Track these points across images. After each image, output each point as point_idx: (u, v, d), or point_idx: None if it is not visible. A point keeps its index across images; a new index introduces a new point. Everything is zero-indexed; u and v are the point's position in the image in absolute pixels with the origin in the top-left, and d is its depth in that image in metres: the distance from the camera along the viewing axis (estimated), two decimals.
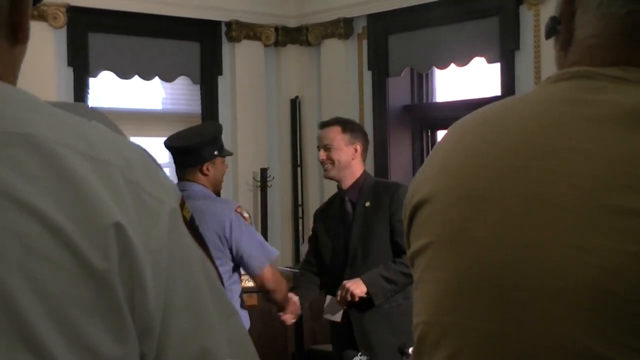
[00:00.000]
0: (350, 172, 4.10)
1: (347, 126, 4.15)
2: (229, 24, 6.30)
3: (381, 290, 3.92)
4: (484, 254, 0.95)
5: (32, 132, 0.77)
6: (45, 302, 0.74)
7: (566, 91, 0.96)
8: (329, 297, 4.07)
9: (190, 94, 6.37)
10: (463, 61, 5.67)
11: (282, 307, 4.01)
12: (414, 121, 6.25)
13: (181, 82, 6.25)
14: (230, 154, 4.10)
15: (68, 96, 5.60)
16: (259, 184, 6.39)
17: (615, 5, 0.95)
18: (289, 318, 4.06)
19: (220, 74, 6.35)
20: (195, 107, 6.36)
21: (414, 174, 5.32)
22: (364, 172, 4.18)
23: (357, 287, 3.89)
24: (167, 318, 0.80)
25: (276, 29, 6.53)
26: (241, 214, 3.77)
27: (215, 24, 6.29)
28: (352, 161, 4.09)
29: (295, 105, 6.62)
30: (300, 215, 6.56)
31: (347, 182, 4.11)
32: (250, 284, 4.30)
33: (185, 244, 0.84)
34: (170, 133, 4.02)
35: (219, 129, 4.00)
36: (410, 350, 2.97)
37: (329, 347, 4.53)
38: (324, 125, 4.22)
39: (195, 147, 3.78)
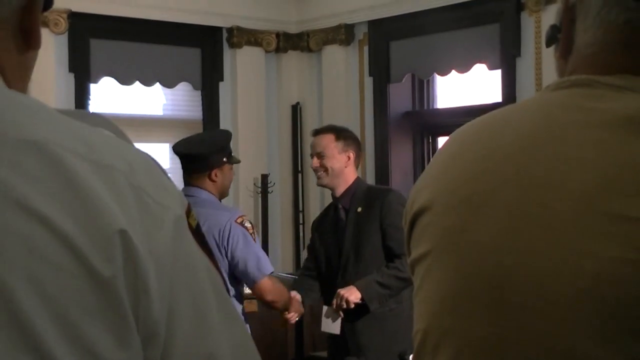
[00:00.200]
0: (343, 179, 4.12)
1: (341, 134, 4.17)
2: (230, 30, 6.32)
3: (376, 296, 3.93)
4: (483, 259, 0.96)
5: (38, 138, 0.77)
6: (48, 305, 0.74)
7: (565, 99, 0.97)
8: (325, 308, 4.08)
9: (191, 100, 6.38)
10: (464, 67, 5.68)
11: (285, 310, 4.02)
12: (415, 127, 6.26)
13: (182, 88, 6.26)
14: (238, 161, 4.11)
15: (69, 102, 5.61)
16: (259, 189, 6.39)
17: (613, 14, 0.96)
18: (292, 316, 4.06)
19: (221, 79, 6.36)
20: (196, 113, 6.36)
21: (414, 180, 5.33)
22: (357, 179, 4.20)
23: (352, 294, 3.90)
24: (171, 324, 0.81)
25: (277, 35, 6.54)
26: (243, 224, 3.77)
27: (216, 30, 6.31)
28: (345, 169, 4.11)
29: (296, 111, 6.63)
30: (300, 222, 6.56)
31: (340, 189, 4.14)
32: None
33: (190, 251, 0.84)
34: (172, 139, 4.02)
35: (228, 136, 4.00)
36: (411, 357, 2.97)
37: None
38: (317, 132, 4.24)
39: (205, 154, 3.79)
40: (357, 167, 4.21)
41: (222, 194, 3.92)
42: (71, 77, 5.69)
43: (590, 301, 0.86)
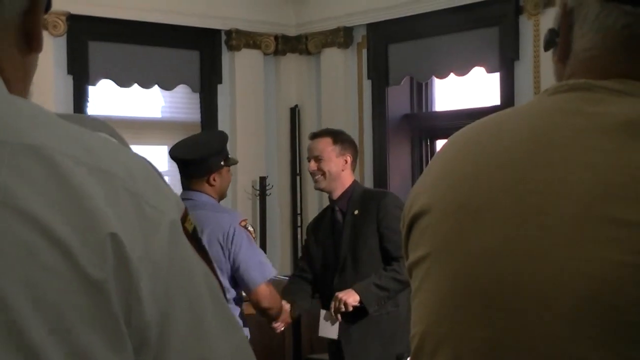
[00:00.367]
0: (340, 182, 4.13)
1: (338, 137, 4.18)
2: (228, 33, 6.31)
3: (374, 299, 3.93)
4: (481, 264, 0.96)
5: (36, 143, 0.78)
6: (43, 310, 0.74)
7: (564, 103, 0.97)
8: (323, 312, 4.07)
9: (189, 103, 6.38)
10: (463, 70, 5.68)
11: (274, 319, 4.01)
12: (413, 130, 6.26)
13: (181, 90, 6.26)
14: (236, 162, 4.11)
15: (67, 104, 5.61)
16: (257, 192, 6.39)
17: (612, 18, 0.96)
18: (279, 326, 4.06)
19: (220, 82, 6.36)
20: (194, 116, 6.36)
21: (413, 183, 5.33)
22: (354, 182, 4.21)
23: (350, 297, 3.90)
24: (166, 328, 0.80)
25: (276, 37, 6.54)
26: (246, 228, 3.78)
27: (215, 33, 6.31)
28: (342, 172, 4.12)
29: (294, 113, 6.63)
30: (299, 224, 6.56)
31: (337, 193, 4.15)
32: None
33: (186, 255, 0.84)
34: (170, 141, 4.01)
35: (225, 138, 4.00)
36: None
37: (326, 357, 4.52)
38: (314, 136, 4.24)
39: (203, 159, 3.79)
40: (353, 170, 4.22)
41: (221, 196, 3.93)
42: (70, 80, 5.69)
43: (589, 306, 0.86)
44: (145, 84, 6.01)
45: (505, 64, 5.43)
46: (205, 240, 3.68)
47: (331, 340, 4.15)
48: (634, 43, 0.95)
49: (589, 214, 0.88)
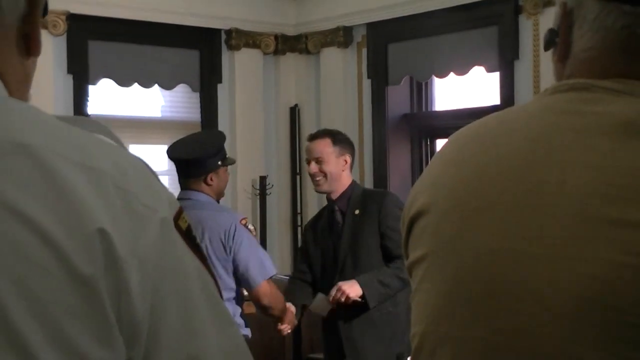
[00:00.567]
0: (341, 183, 4.13)
1: (337, 138, 4.17)
2: (228, 32, 6.32)
3: (377, 293, 3.92)
4: (480, 264, 0.96)
5: (29, 142, 0.78)
6: (33, 306, 0.74)
7: (564, 103, 0.97)
8: (319, 295, 4.07)
9: (189, 102, 6.38)
10: (462, 70, 5.68)
11: (279, 320, 4.00)
12: (413, 130, 6.26)
13: (181, 89, 6.26)
14: (233, 162, 4.11)
15: (67, 104, 5.61)
16: (257, 191, 6.39)
17: (611, 19, 0.96)
18: (286, 328, 4.05)
19: (220, 81, 6.36)
20: (194, 115, 6.36)
21: (412, 182, 5.33)
22: (352, 182, 4.21)
23: (353, 290, 3.90)
24: (157, 324, 0.81)
25: (276, 37, 6.54)
26: (246, 226, 3.78)
27: (215, 32, 6.31)
28: (342, 172, 4.12)
29: (294, 113, 6.63)
30: (299, 223, 6.56)
31: (337, 193, 4.14)
32: None
33: (177, 252, 0.84)
34: (170, 141, 4.01)
35: (222, 138, 4.00)
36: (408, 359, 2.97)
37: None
38: (313, 137, 4.22)
39: (201, 159, 3.79)
40: (351, 170, 4.22)
41: (219, 196, 3.93)
42: (69, 79, 5.69)
43: (588, 307, 0.86)
44: (145, 84, 6.01)
45: (505, 64, 5.43)
46: (207, 240, 3.69)
47: (328, 340, 4.16)
48: (634, 43, 0.95)
49: (589, 214, 0.88)
